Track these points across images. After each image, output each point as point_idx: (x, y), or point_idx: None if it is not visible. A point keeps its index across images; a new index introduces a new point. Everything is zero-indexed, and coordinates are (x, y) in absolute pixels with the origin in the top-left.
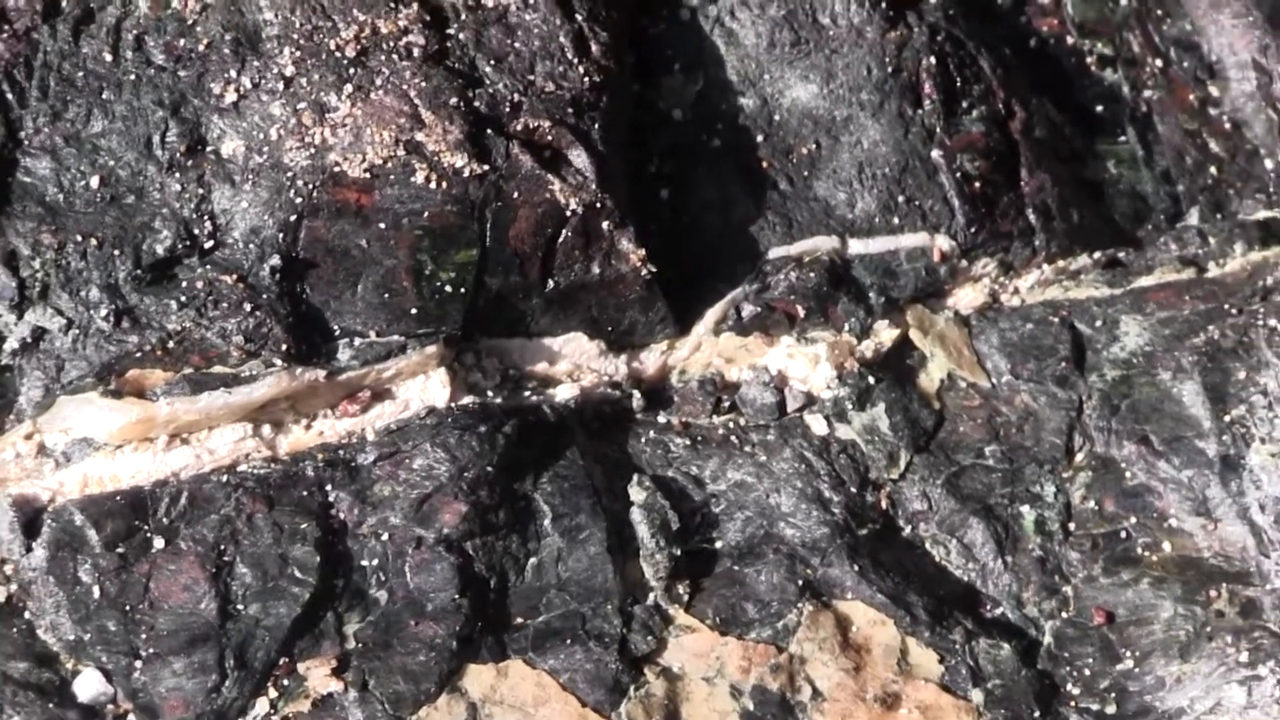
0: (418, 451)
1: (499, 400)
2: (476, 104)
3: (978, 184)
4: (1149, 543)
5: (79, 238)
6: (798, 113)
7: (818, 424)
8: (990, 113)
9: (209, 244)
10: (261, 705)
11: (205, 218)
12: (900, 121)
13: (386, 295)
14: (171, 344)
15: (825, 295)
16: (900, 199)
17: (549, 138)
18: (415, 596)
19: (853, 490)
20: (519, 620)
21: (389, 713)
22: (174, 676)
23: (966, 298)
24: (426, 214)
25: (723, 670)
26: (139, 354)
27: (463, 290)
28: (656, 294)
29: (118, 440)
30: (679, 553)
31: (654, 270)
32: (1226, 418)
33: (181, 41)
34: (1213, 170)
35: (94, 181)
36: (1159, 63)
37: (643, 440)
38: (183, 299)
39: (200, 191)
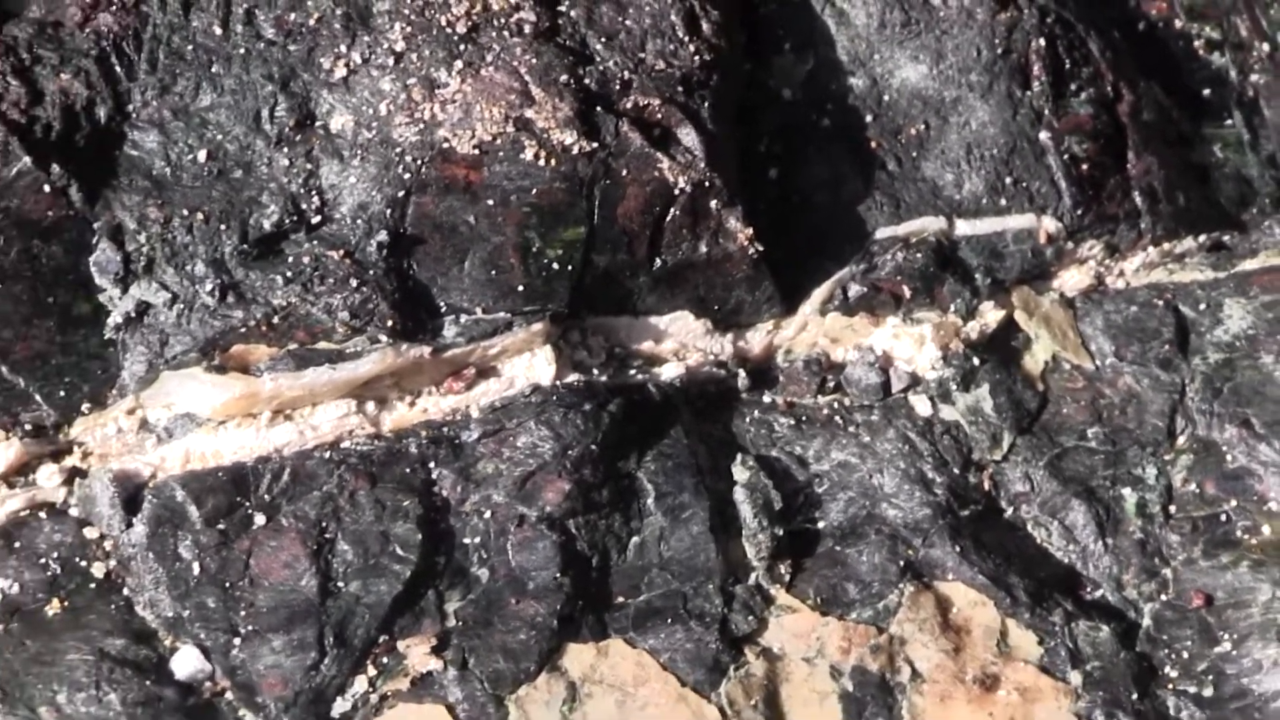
0: (522, 429)
1: (604, 378)
2: (586, 81)
3: (1085, 166)
4: (1249, 526)
5: (185, 212)
6: (907, 93)
7: (922, 405)
8: (1098, 95)
9: (316, 219)
10: (360, 683)
11: (313, 193)
12: (1009, 103)
13: (493, 272)
14: (276, 319)
15: (932, 276)
16: (1008, 180)
17: (658, 116)
18: (516, 575)
19: (955, 471)
20: (620, 599)
21: (488, 691)
22: (273, 654)
23: (1072, 280)
24: (535, 191)
25: (823, 650)
26: (243, 329)
27: (569, 268)
28: (764, 273)
29: (220, 416)
30: (781, 533)
31: (761, 249)
32: None
33: (292, 16)
34: None
35: (201, 155)
36: (1266, 47)
37: (747, 420)
38: (289, 274)
39: (308, 166)
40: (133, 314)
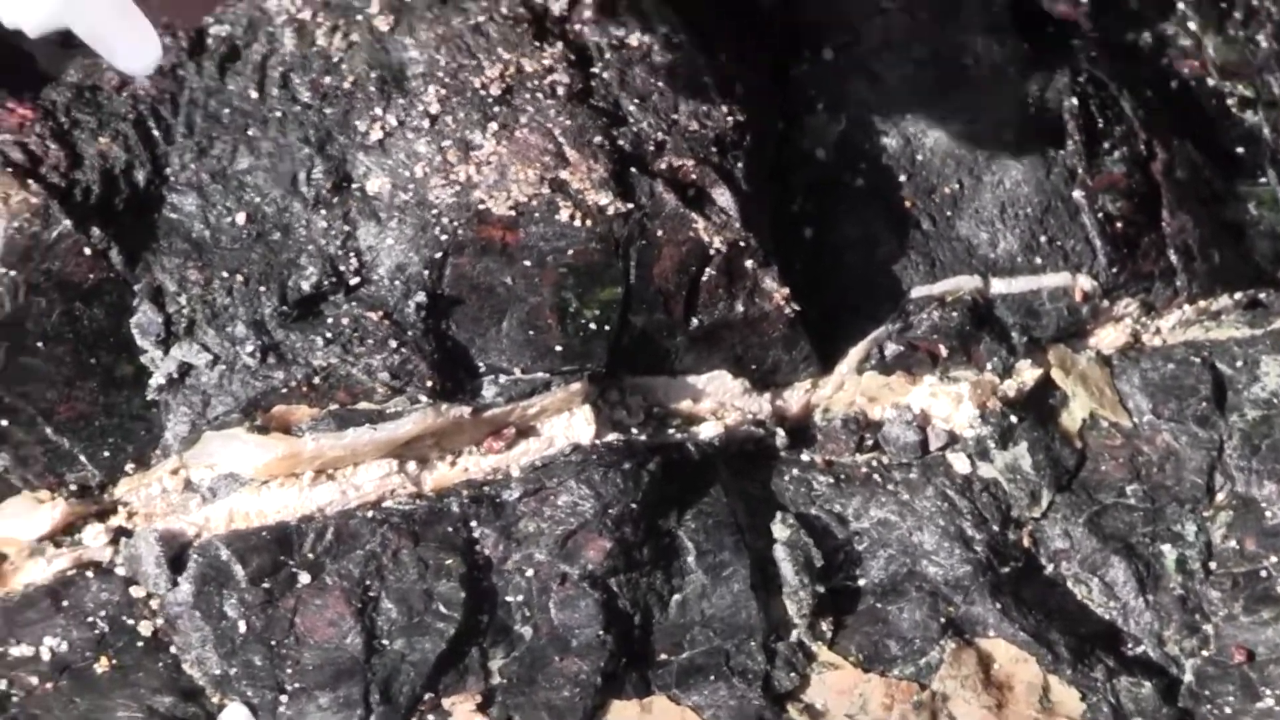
0: (562, 488)
1: (643, 437)
2: (620, 142)
3: (1119, 224)
4: None
5: (225, 274)
6: (940, 152)
7: (960, 462)
8: (1132, 153)
9: (354, 280)
10: None
11: (351, 254)
12: (1042, 161)
13: (531, 332)
14: (317, 380)
15: (968, 335)
16: (1042, 239)
17: (693, 176)
18: (560, 632)
19: (995, 528)
20: (663, 656)
21: None
22: (319, 711)
23: (1108, 337)
24: (571, 251)
25: (865, 707)
26: (285, 390)
27: (607, 328)
28: (800, 333)
29: (263, 476)
30: (822, 590)
31: (797, 309)
32: None
33: (327, 79)
34: None
35: (240, 218)
36: None
37: (786, 478)
38: (328, 335)
39: (346, 228)
40: (175, 375)
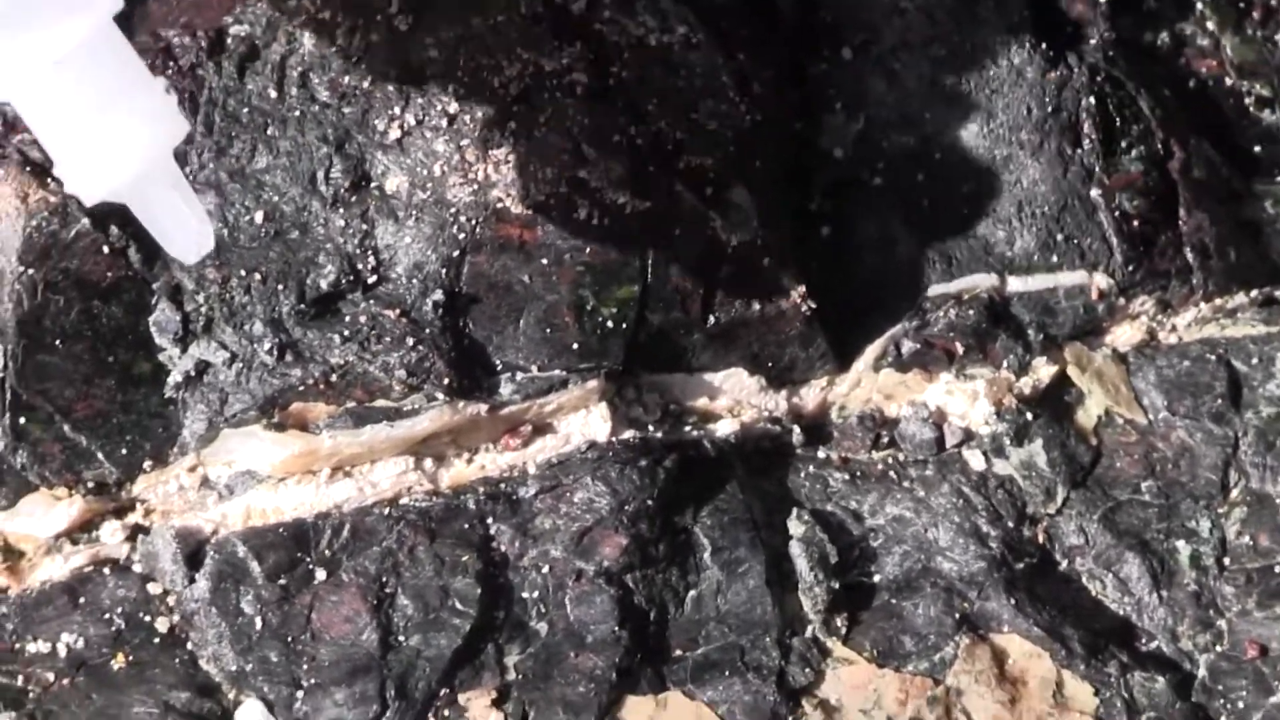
0: (579, 485)
1: (659, 435)
2: (639, 141)
3: (1136, 223)
4: None
5: (243, 272)
6: (958, 151)
7: (976, 459)
8: (1149, 152)
9: (372, 279)
10: None
11: (369, 253)
12: (1059, 160)
13: (548, 330)
14: (334, 378)
15: (984, 332)
16: (1059, 237)
17: (710, 175)
18: (575, 628)
19: (1010, 525)
20: (678, 652)
21: None
22: (335, 707)
23: (1124, 335)
24: (588, 250)
25: (880, 702)
26: (302, 387)
27: (624, 326)
28: (817, 330)
29: (280, 473)
30: (837, 586)
31: (814, 307)
32: None
33: (346, 79)
34: None
35: (258, 217)
36: None
37: (802, 475)
38: (346, 333)
39: (364, 227)
40: (192, 373)
